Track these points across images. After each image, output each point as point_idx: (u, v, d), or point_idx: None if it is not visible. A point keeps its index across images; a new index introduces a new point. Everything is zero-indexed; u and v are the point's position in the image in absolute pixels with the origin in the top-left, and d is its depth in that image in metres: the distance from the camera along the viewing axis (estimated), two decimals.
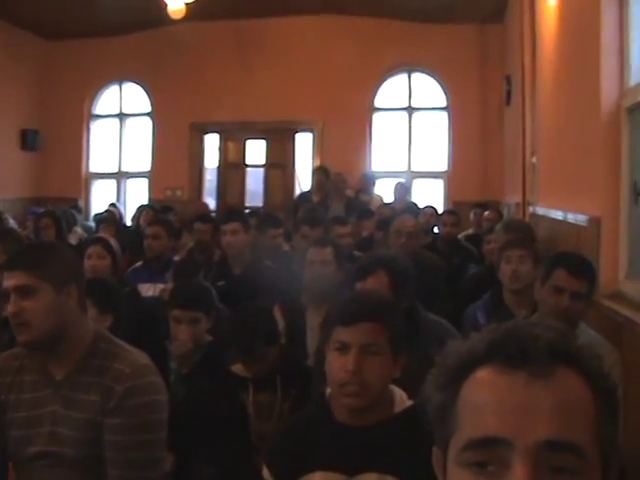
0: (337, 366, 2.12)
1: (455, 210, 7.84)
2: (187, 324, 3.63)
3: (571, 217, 4.81)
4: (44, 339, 2.33)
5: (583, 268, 3.33)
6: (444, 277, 5.39)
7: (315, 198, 9.96)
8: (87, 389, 2.34)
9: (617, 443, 1.02)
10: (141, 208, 9.46)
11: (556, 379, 0.93)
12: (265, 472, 2.20)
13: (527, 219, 7.19)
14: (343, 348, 2.12)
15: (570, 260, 3.40)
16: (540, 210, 6.52)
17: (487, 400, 0.95)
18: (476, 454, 0.93)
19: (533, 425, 0.90)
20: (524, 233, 5.02)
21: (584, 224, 4.34)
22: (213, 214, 10.35)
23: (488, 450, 0.92)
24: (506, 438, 0.90)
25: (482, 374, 0.98)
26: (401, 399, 2.19)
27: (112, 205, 10.87)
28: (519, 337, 0.97)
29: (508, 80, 9.53)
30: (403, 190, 9.80)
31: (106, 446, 2.31)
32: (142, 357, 2.46)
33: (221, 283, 5.04)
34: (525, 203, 7.67)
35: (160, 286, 5.18)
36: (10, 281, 2.33)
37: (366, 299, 2.27)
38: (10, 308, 2.30)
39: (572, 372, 0.95)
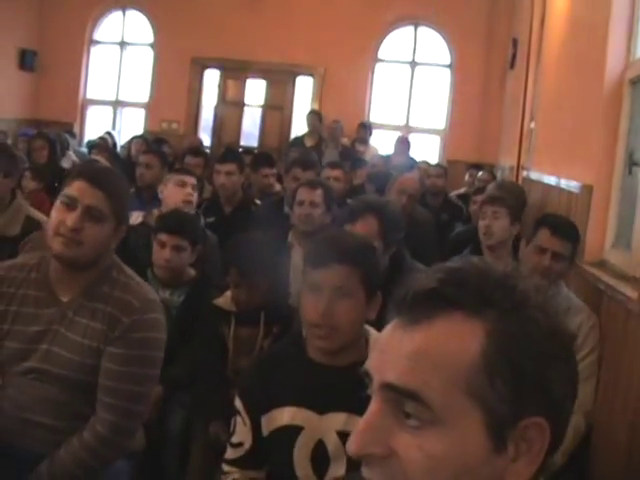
0: (309, 307, 2.13)
1: (442, 164, 7.87)
2: (171, 250, 3.57)
3: (564, 183, 4.83)
4: (82, 262, 2.33)
5: (566, 229, 3.39)
6: (433, 232, 5.41)
7: (308, 142, 9.93)
8: (92, 315, 2.35)
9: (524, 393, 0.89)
10: (133, 138, 9.41)
11: (428, 327, 0.91)
12: (238, 403, 2.23)
13: (520, 183, 7.21)
14: (315, 289, 2.12)
15: (554, 221, 3.45)
16: (533, 175, 6.53)
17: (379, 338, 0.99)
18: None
19: (386, 366, 0.92)
20: (516, 195, 5.05)
21: (576, 191, 4.37)
22: (207, 150, 10.27)
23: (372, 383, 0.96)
24: (370, 372, 0.96)
25: None
26: None
27: (107, 133, 10.76)
28: (436, 280, 0.93)
29: (514, 43, 9.45)
30: (405, 144, 9.69)
31: (102, 373, 2.33)
32: (151, 292, 2.48)
33: (211, 219, 5.06)
34: (519, 167, 7.68)
35: None
36: (84, 194, 2.29)
37: (338, 241, 2.23)
38: (72, 220, 2.25)
39: (462, 319, 0.90)
